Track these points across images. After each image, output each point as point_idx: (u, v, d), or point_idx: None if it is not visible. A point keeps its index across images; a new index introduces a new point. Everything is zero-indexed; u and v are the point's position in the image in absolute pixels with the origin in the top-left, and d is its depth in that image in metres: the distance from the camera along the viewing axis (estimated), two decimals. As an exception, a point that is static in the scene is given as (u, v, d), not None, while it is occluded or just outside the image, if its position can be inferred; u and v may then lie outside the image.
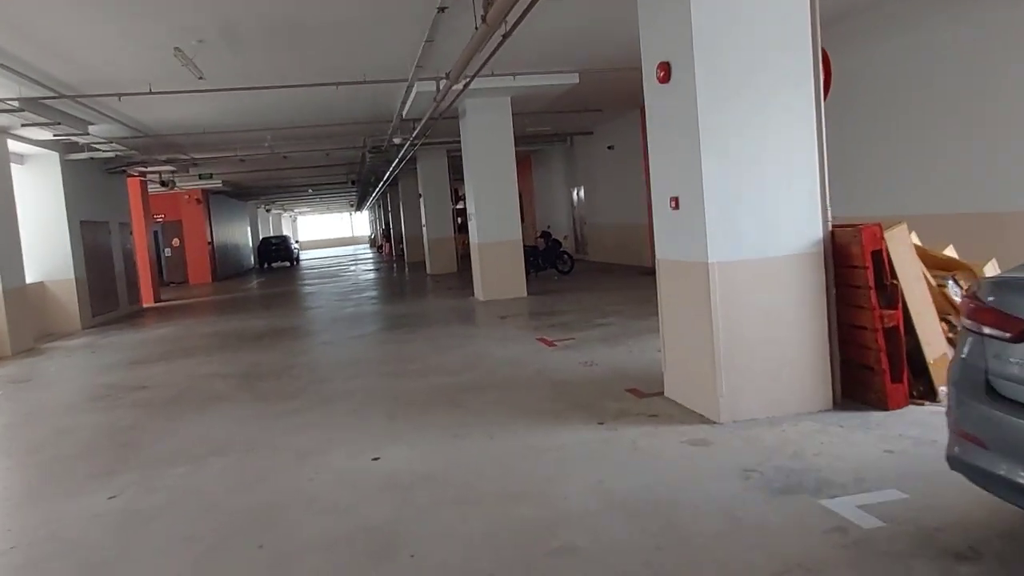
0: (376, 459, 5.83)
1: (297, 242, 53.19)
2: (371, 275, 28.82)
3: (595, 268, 21.95)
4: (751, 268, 5.94)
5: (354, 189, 40.85)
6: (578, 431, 6.08)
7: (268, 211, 57.32)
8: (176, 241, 35.15)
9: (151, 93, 13.13)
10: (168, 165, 23.04)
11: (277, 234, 50.66)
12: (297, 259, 46.82)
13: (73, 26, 10.24)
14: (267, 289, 26.73)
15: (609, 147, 22.31)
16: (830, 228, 6.12)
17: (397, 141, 18.61)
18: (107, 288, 20.15)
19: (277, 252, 43.96)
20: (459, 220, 30.63)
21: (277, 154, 22.11)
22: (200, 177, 26.42)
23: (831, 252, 6.11)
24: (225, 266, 37.99)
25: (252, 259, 46.60)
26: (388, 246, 45.40)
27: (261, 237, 48.30)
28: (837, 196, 6.33)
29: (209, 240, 35.41)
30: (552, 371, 8.35)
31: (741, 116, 5.91)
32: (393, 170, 27.56)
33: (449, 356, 9.90)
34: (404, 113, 16.56)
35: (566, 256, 20.41)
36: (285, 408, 7.87)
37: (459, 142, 17.13)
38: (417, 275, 26.03)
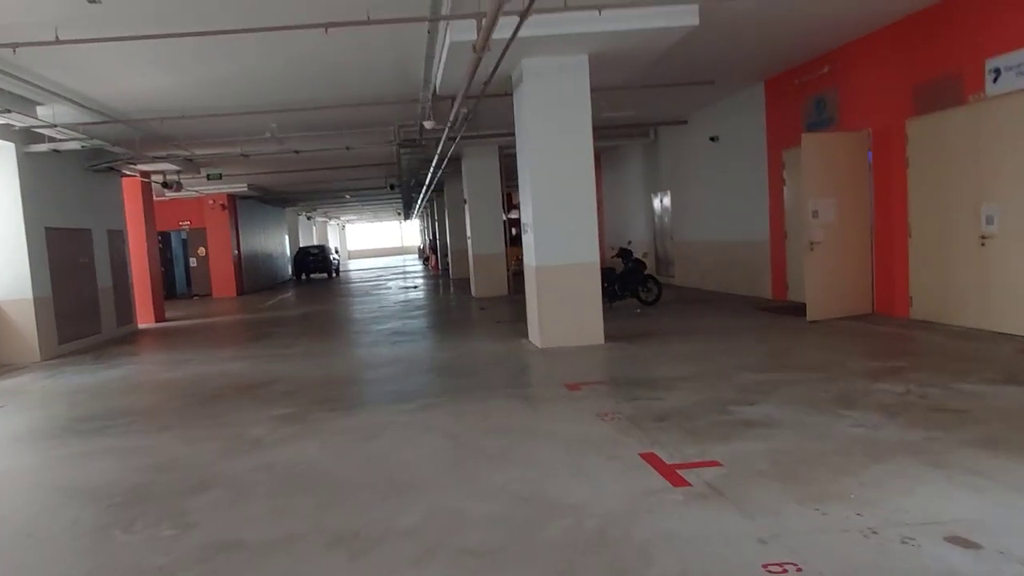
0: None
1: (336, 252, 49.08)
2: (408, 295, 24.30)
3: (688, 297, 17.09)
4: None
5: (397, 195, 36.49)
6: None
7: (309, 219, 53.30)
8: (202, 250, 31.49)
9: (59, 42, 8.74)
10: (167, 163, 18.87)
11: (316, 243, 46.58)
12: (336, 270, 42.93)
13: None
14: (285, 310, 22.37)
15: (712, 139, 17.44)
16: None
17: (429, 126, 14.05)
18: (84, 309, 16.38)
19: (314, 263, 40.47)
20: (513, 231, 26.06)
21: (287, 149, 17.79)
22: (209, 178, 22.18)
23: None
24: (255, 278, 34.20)
25: (289, 270, 42.69)
26: (435, 259, 41.28)
27: (299, 246, 44.33)
28: None
29: (235, 249, 31.50)
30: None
31: None
32: (435, 171, 23.10)
33: (479, 486, 5.23)
34: (437, 82, 12.02)
35: (651, 282, 15.64)
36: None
37: (514, 135, 12.51)
38: (460, 298, 21.44)
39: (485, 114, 16.03)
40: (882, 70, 11.82)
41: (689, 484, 5.02)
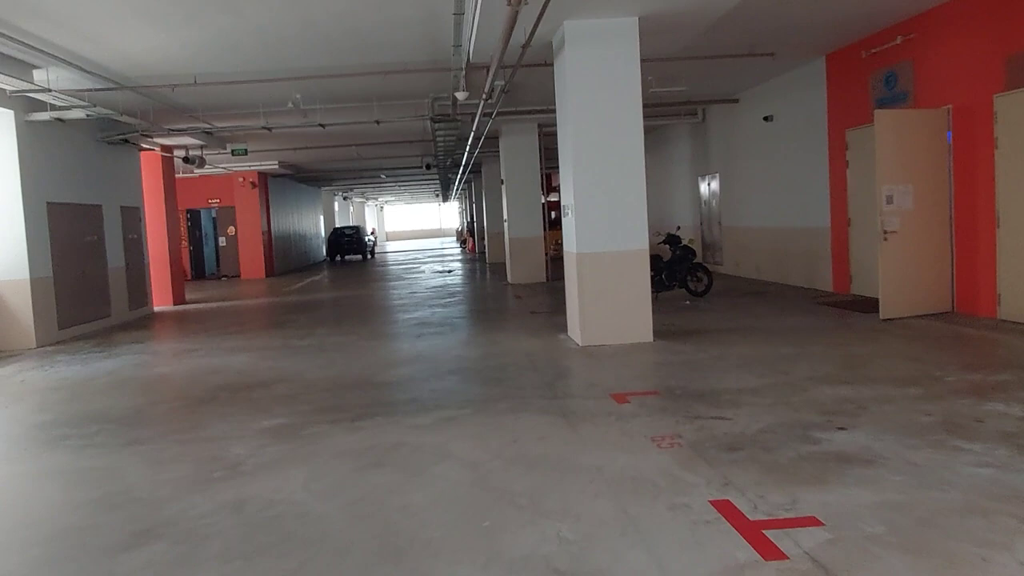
0: None
1: (373, 233, 48.03)
2: (441, 279, 23.08)
3: (739, 288, 15.69)
4: None
5: (434, 176, 35.28)
6: None
7: (346, 199, 52.24)
8: (232, 230, 30.52)
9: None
10: (187, 136, 17.80)
11: (351, 224, 45.57)
12: (372, 252, 41.89)
13: None
14: (310, 294, 21.24)
15: (766, 118, 15.99)
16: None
17: (461, 97, 12.76)
18: (91, 291, 15.34)
19: (349, 244, 39.43)
20: (552, 215, 24.73)
21: (312, 122, 16.59)
22: (233, 153, 21.10)
23: None
24: (286, 259, 33.26)
25: (323, 251, 41.66)
26: (472, 241, 40.12)
27: (333, 227, 43.25)
28: None
29: (265, 229, 30.49)
30: None
31: None
32: (471, 150, 21.85)
33: (500, 549, 3.94)
34: (470, 47, 10.74)
35: (701, 271, 14.25)
36: None
37: (554, 110, 11.22)
38: (495, 284, 20.20)
39: (523, 89, 14.78)
40: (967, 40, 10.34)
41: (785, 557, 3.70)
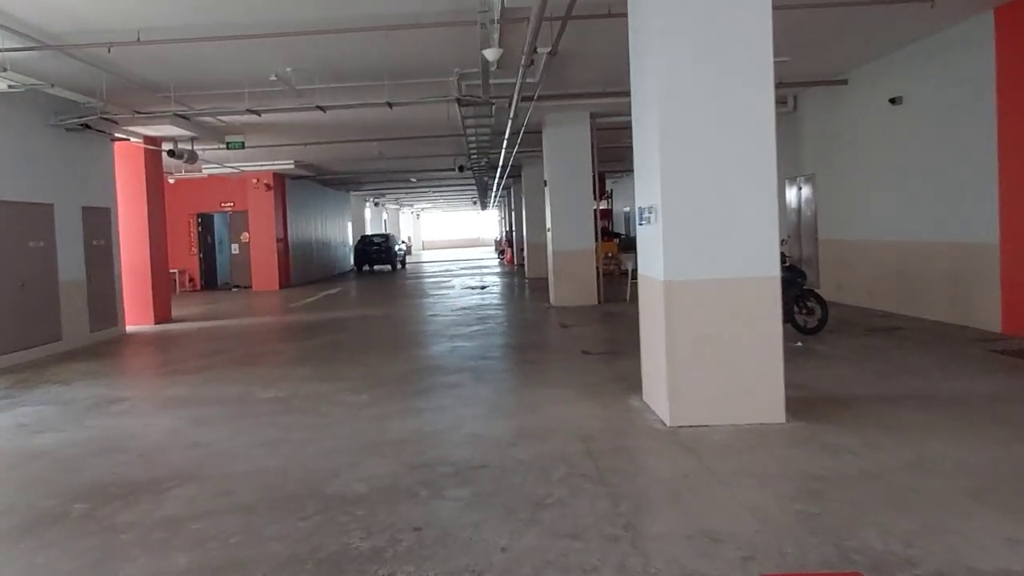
0: None
1: (405, 242, 44.78)
2: (470, 299, 19.59)
3: (856, 322, 11.83)
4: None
5: (469, 180, 31.88)
6: None
7: (377, 205, 48.90)
8: (245, 236, 27.47)
9: None
10: (168, 124, 14.56)
11: (381, 232, 42.29)
12: (402, 263, 38.77)
13: None
14: (317, 313, 17.90)
15: (893, 100, 12.30)
16: None
17: (491, 57, 9.27)
18: (34, 309, 12.41)
19: (377, 254, 36.30)
20: (602, 223, 21.21)
21: (308, 103, 13.22)
22: (229, 146, 17.86)
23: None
24: (307, 268, 30.22)
25: (350, 259, 38.39)
26: (510, 252, 36.64)
27: (361, 235, 39.94)
28: None
29: (280, 236, 27.34)
30: None
31: None
32: (508, 147, 18.42)
33: None
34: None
35: (812, 299, 10.60)
36: None
37: (615, 95, 7.80)
38: (535, 307, 16.69)
39: (574, 61, 11.57)
40: None
41: None
